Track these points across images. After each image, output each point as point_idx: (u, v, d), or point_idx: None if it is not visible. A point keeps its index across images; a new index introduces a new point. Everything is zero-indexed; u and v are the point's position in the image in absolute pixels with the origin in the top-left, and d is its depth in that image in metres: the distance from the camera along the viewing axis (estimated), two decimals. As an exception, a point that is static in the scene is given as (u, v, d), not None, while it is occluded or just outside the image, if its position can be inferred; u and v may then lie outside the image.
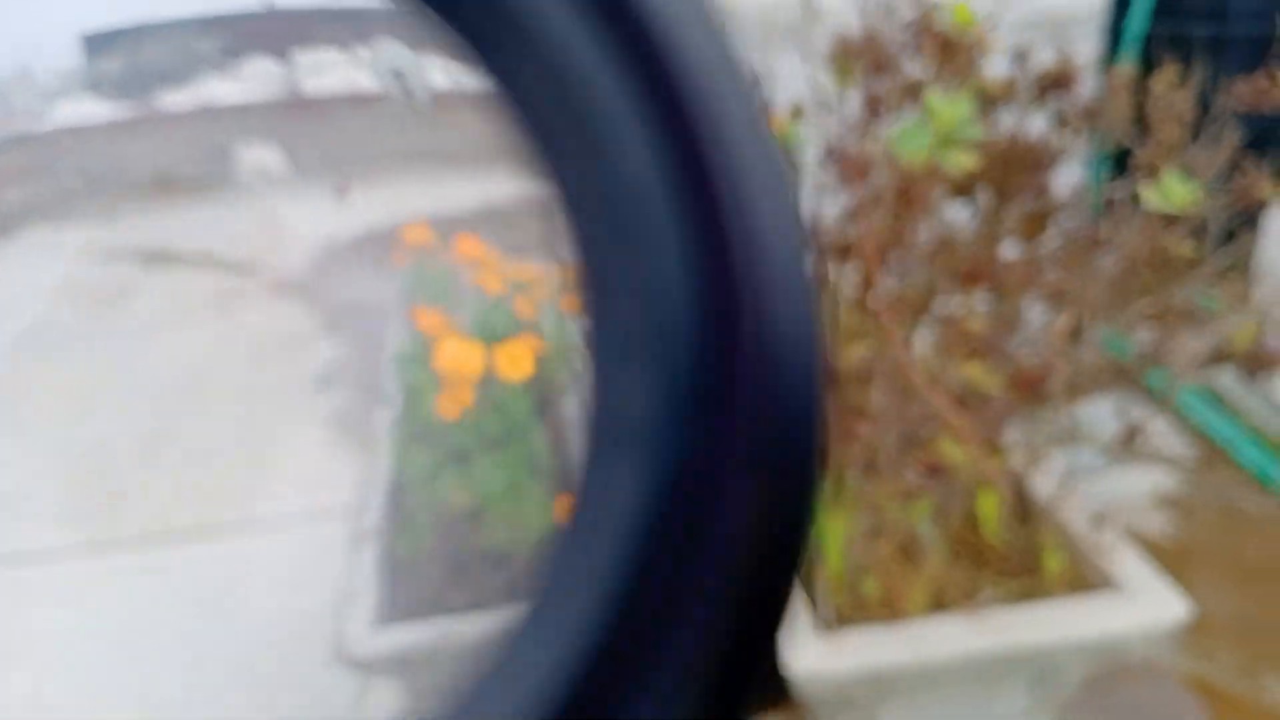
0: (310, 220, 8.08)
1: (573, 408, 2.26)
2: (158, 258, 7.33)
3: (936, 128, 1.24)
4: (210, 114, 9.56)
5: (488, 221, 6.91)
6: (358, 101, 9.68)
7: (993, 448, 1.37)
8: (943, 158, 1.24)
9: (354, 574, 1.97)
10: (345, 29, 10.54)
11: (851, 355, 1.31)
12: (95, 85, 10.72)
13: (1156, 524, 2.69)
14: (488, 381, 1.84)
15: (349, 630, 1.83)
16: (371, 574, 1.96)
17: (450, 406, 1.78)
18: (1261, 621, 2.40)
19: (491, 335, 2.01)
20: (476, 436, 1.88)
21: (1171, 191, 1.34)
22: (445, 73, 9.61)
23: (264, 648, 2.89)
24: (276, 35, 10.33)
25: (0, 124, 9.87)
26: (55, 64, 10.75)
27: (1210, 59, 1.70)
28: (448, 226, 2.49)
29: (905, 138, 1.26)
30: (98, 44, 11.30)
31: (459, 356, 1.79)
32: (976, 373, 1.27)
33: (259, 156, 9.46)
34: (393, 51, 9.32)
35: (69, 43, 10.91)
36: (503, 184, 9.16)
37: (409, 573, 2.01)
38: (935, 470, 1.30)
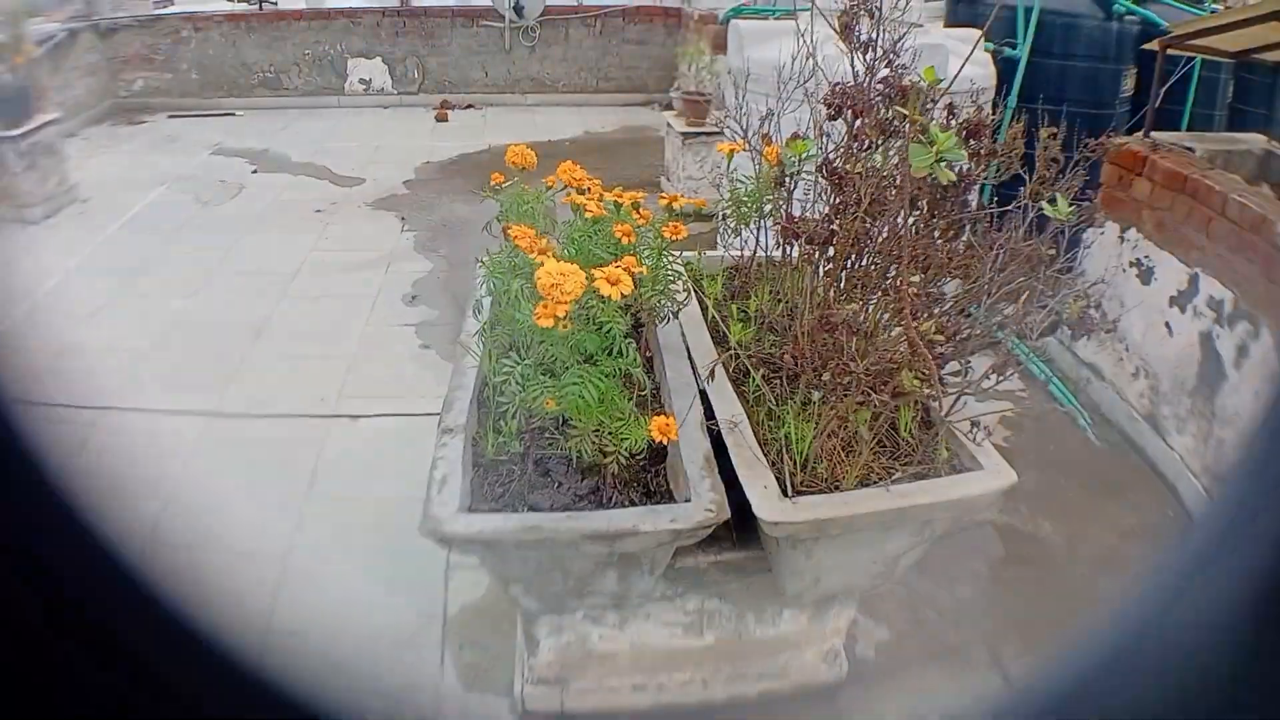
0: (409, 138, 7.45)
1: (665, 333, 2.09)
2: (266, 159, 6.82)
3: (936, 150, 1.35)
4: (323, 18, 8.81)
5: (585, 151, 6.42)
6: (466, 16, 8.62)
7: (926, 380, 1.53)
8: (936, 171, 1.36)
9: (441, 467, 1.70)
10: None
11: (842, 314, 1.44)
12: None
13: (998, 434, 2.93)
14: (584, 298, 1.59)
15: (436, 513, 1.58)
16: (458, 467, 1.71)
17: (547, 320, 1.52)
18: (1041, 489, 2.72)
19: (588, 256, 1.79)
20: (569, 350, 1.67)
21: (1059, 208, 1.49)
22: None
23: (356, 522, 2.85)
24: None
25: (126, 3, 8.81)
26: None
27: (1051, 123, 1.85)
28: (547, 151, 2.21)
29: (914, 155, 1.38)
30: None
31: (560, 274, 1.51)
32: (927, 329, 1.41)
33: (366, 70, 8.50)
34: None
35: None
36: (603, 114, 8.53)
37: (495, 472, 1.80)
38: (897, 393, 1.45)
